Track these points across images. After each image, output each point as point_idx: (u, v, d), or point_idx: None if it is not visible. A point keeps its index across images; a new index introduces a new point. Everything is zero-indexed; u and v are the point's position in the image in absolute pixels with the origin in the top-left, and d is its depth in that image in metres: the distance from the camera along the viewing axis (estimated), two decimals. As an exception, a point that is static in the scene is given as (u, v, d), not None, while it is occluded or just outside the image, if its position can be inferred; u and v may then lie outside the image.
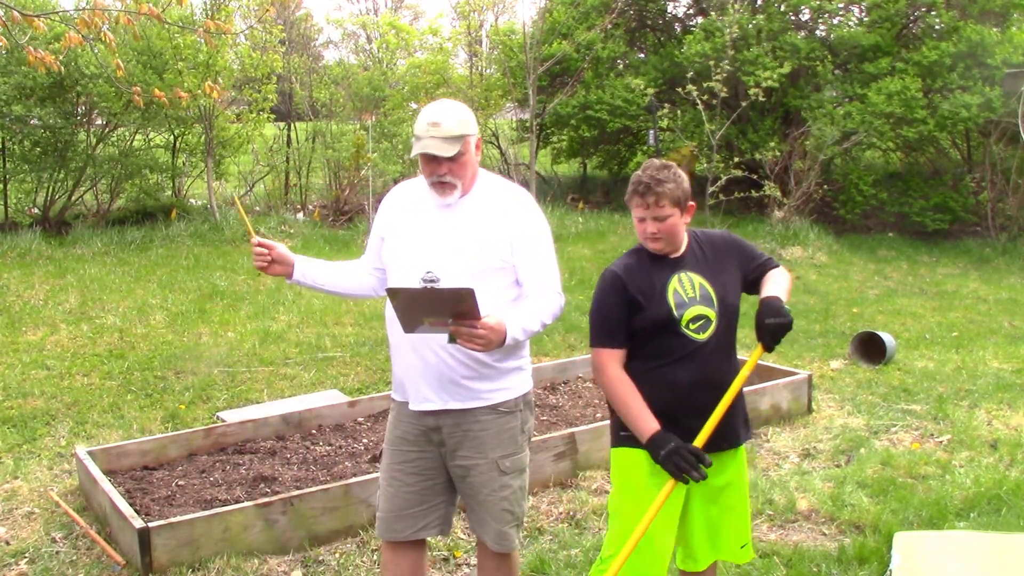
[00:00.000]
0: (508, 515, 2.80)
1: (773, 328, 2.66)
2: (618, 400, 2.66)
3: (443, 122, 2.63)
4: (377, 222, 2.93)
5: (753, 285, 2.82)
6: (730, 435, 2.75)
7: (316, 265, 2.95)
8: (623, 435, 2.72)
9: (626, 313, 2.66)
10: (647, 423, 2.59)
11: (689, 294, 2.69)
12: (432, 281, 2.66)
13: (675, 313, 2.65)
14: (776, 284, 2.78)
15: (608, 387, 2.68)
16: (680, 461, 2.52)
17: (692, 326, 2.67)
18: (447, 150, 2.62)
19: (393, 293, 2.46)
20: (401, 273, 2.75)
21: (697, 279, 2.72)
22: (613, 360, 2.67)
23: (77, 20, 4.50)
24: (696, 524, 2.78)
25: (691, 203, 2.69)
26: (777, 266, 2.86)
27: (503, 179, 2.88)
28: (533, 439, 4.42)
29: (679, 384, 2.65)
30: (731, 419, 2.73)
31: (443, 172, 2.67)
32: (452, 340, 2.48)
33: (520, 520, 2.87)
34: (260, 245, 2.81)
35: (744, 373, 2.72)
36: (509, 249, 2.69)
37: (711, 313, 2.70)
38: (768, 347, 2.70)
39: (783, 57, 12.27)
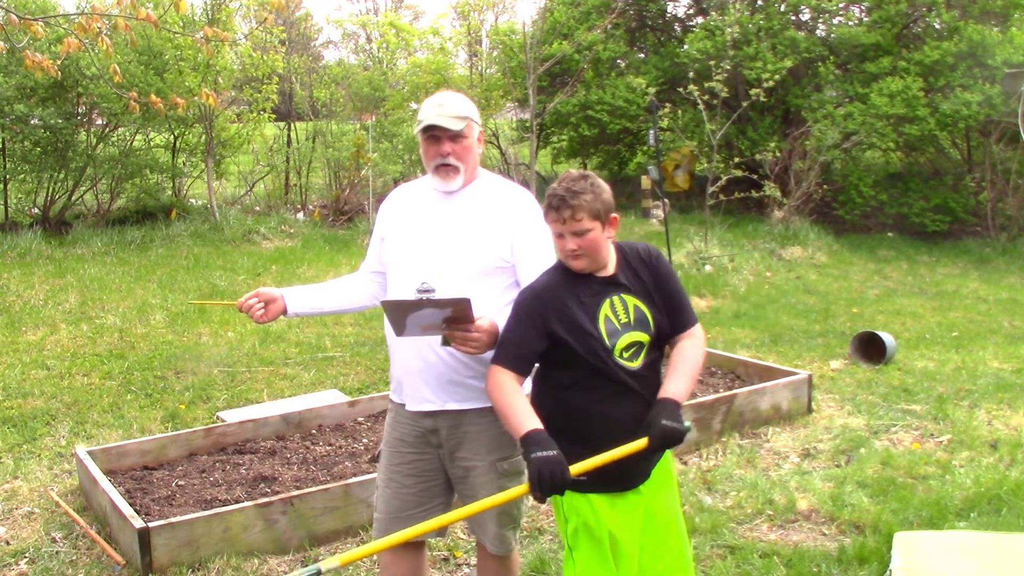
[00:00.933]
0: (506, 517, 2.80)
1: (667, 432, 2.37)
2: (501, 399, 2.44)
3: (447, 103, 2.69)
4: (378, 224, 2.93)
5: (666, 331, 2.56)
6: (637, 473, 2.52)
7: (309, 292, 2.97)
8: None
9: (537, 344, 2.45)
10: (530, 419, 2.37)
11: (623, 319, 2.48)
12: (428, 292, 2.65)
13: (607, 342, 2.44)
14: (683, 374, 2.50)
15: (494, 389, 2.46)
16: (547, 476, 2.29)
17: (625, 354, 2.46)
18: (453, 124, 2.65)
19: (388, 306, 2.47)
20: (398, 281, 2.75)
21: (632, 301, 2.51)
22: (505, 375, 2.45)
23: (75, 25, 4.49)
24: None
25: (613, 215, 2.48)
26: (693, 330, 2.58)
27: (504, 179, 2.88)
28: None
29: (612, 418, 2.45)
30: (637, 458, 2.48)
31: (447, 152, 2.68)
32: (446, 343, 2.48)
33: (518, 522, 2.87)
34: (249, 299, 2.82)
35: (628, 449, 2.41)
36: (509, 249, 2.69)
37: (644, 338, 2.49)
38: (653, 449, 2.40)
39: (783, 52, 12.28)
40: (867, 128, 11.57)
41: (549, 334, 2.46)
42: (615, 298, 2.50)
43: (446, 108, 2.67)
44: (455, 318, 2.40)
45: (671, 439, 2.39)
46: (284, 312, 2.88)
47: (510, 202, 2.75)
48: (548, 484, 2.31)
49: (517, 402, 2.43)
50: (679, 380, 2.49)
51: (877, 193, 12.38)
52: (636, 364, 2.48)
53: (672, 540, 2.58)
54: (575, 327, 2.45)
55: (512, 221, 2.70)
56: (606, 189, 2.48)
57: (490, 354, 2.58)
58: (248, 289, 8.87)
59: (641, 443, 2.41)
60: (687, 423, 2.44)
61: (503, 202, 2.74)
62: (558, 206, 2.42)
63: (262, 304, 2.83)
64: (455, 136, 2.67)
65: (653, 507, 2.56)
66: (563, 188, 2.43)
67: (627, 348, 2.47)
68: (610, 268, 2.54)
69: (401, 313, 2.45)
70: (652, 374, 2.52)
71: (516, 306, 2.53)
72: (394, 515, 2.83)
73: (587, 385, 2.47)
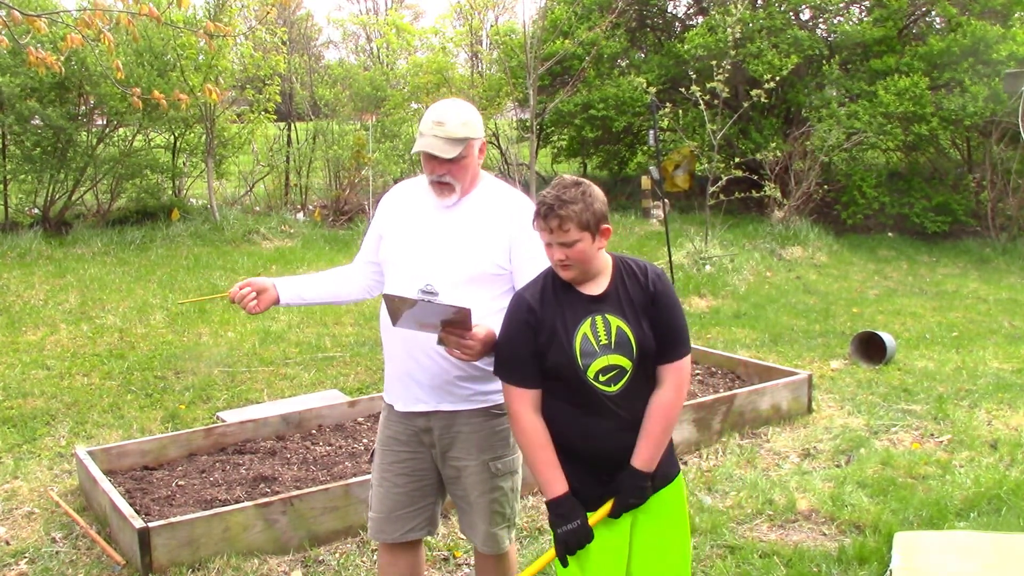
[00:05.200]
0: (499, 517, 2.80)
1: (631, 506, 2.45)
2: (527, 453, 2.44)
3: (448, 122, 2.61)
4: (376, 219, 2.92)
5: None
6: (620, 508, 2.49)
7: (301, 282, 2.93)
8: None
9: (533, 352, 2.41)
10: (555, 483, 2.40)
11: (602, 341, 2.39)
12: (431, 294, 2.64)
13: (579, 363, 2.38)
14: (653, 444, 2.43)
15: (519, 436, 2.45)
16: (574, 545, 2.38)
17: (602, 377, 2.39)
18: (448, 151, 2.60)
19: (389, 299, 2.46)
20: (399, 279, 2.73)
21: (615, 322, 2.41)
22: (525, 403, 2.42)
23: (77, 21, 4.50)
24: None
25: (605, 226, 2.39)
26: (679, 363, 2.48)
27: (504, 183, 2.87)
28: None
29: (588, 432, 2.43)
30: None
31: (443, 172, 2.66)
32: (441, 343, 2.48)
33: (512, 521, 2.86)
34: (241, 288, 2.81)
35: (602, 512, 2.47)
36: (506, 255, 2.68)
37: (626, 362, 2.40)
38: (616, 515, 2.46)
39: (786, 51, 12.27)
40: (875, 127, 11.55)
41: (537, 338, 2.42)
42: (598, 318, 2.41)
43: (446, 128, 2.60)
44: (453, 322, 2.40)
45: (631, 509, 2.46)
46: (276, 302, 2.85)
47: (509, 208, 2.73)
48: (574, 552, 2.40)
49: (543, 458, 2.41)
50: (651, 446, 2.43)
51: (880, 194, 12.37)
52: (614, 389, 2.40)
53: (667, 554, 2.55)
54: (552, 342, 2.40)
55: (510, 228, 2.69)
56: (599, 198, 2.39)
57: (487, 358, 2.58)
58: (248, 289, 8.90)
59: (606, 508, 2.45)
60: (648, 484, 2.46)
61: (502, 208, 2.72)
62: (545, 215, 2.35)
63: (254, 294, 2.81)
64: (451, 158, 2.63)
65: (641, 521, 2.53)
66: (552, 196, 2.35)
67: (604, 371, 2.39)
68: (602, 283, 2.46)
69: (400, 307, 2.45)
70: (634, 397, 2.43)
71: (508, 315, 2.48)
72: (385, 515, 2.84)
73: (568, 399, 2.43)
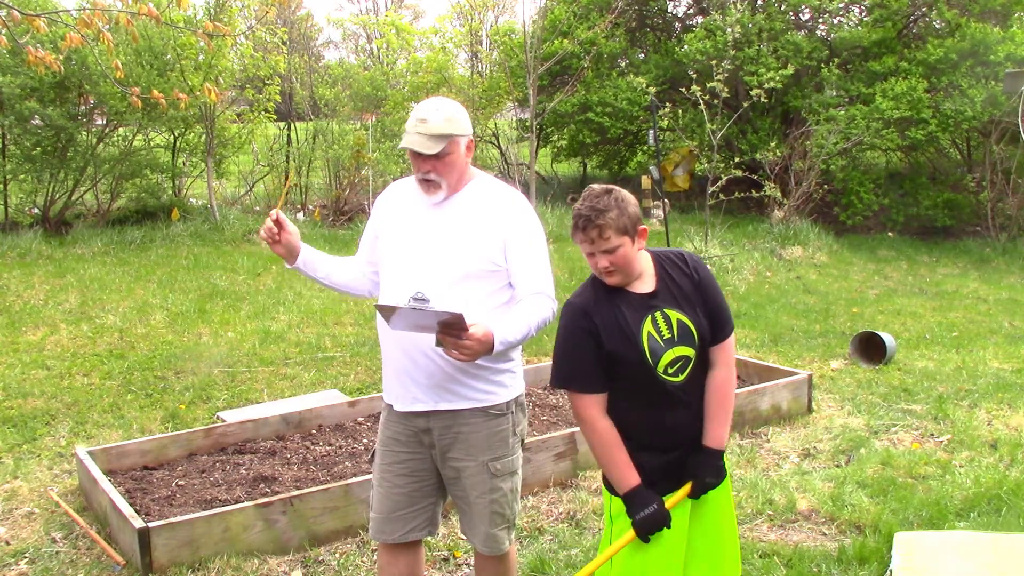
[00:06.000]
0: (499, 517, 2.80)
1: (709, 485, 2.54)
2: (598, 454, 2.51)
3: (430, 119, 2.62)
4: (372, 219, 2.93)
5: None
6: (697, 490, 2.59)
7: (318, 256, 2.91)
8: None
9: (599, 357, 2.45)
10: (629, 477, 2.47)
11: (666, 335, 2.47)
12: (422, 301, 2.64)
13: (649, 360, 2.44)
14: (722, 423, 2.55)
15: (594, 439, 2.51)
16: (653, 528, 2.44)
17: (670, 370, 2.47)
18: (429, 147, 2.61)
19: (381, 309, 2.47)
20: (391, 286, 2.74)
21: (674, 315, 2.49)
22: (596, 408, 2.48)
23: (77, 20, 4.50)
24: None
25: (642, 227, 2.45)
26: (728, 342, 2.58)
27: (499, 181, 2.87)
28: (533, 439, 4.44)
29: (659, 424, 2.51)
30: None
31: (427, 169, 2.66)
32: (439, 344, 2.48)
33: (512, 522, 2.86)
34: (276, 221, 2.75)
35: (680, 494, 2.56)
36: (501, 252, 2.67)
37: (690, 351, 2.49)
38: (696, 495, 2.56)
39: (786, 56, 12.26)
40: (871, 133, 11.55)
41: (599, 342, 2.45)
42: (657, 314, 2.48)
43: (428, 125, 2.61)
44: (449, 324, 2.40)
45: (710, 489, 2.54)
46: (294, 255, 2.80)
47: (502, 205, 2.73)
48: (654, 532, 2.46)
49: (616, 456, 2.48)
50: (720, 425, 2.55)
51: (879, 197, 12.37)
52: (680, 379, 2.49)
53: (724, 532, 2.66)
54: (619, 343, 2.45)
55: (504, 224, 2.69)
56: (631, 201, 2.44)
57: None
58: (249, 289, 8.91)
59: (685, 489, 2.54)
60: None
61: (495, 205, 2.72)
62: (584, 226, 2.39)
63: (278, 236, 2.75)
64: (436, 154, 2.64)
65: (699, 515, 2.61)
66: (587, 207, 2.40)
67: (672, 364, 2.47)
68: (648, 281, 2.52)
69: (392, 314, 2.46)
70: (696, 383, 2.53)
71: (564, 326, 2.50)
72: (386, 515, 2.84)
73: (637, 397, 2.49)
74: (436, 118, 2.63)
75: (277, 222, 2.76)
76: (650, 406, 2.50)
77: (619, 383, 2.49)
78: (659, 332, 2.47)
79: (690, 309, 2.51)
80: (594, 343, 2.45)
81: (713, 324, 2.54)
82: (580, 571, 2.59)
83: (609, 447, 2.48)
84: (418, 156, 2.65)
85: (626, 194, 2.45)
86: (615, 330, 2.45)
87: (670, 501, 2.51)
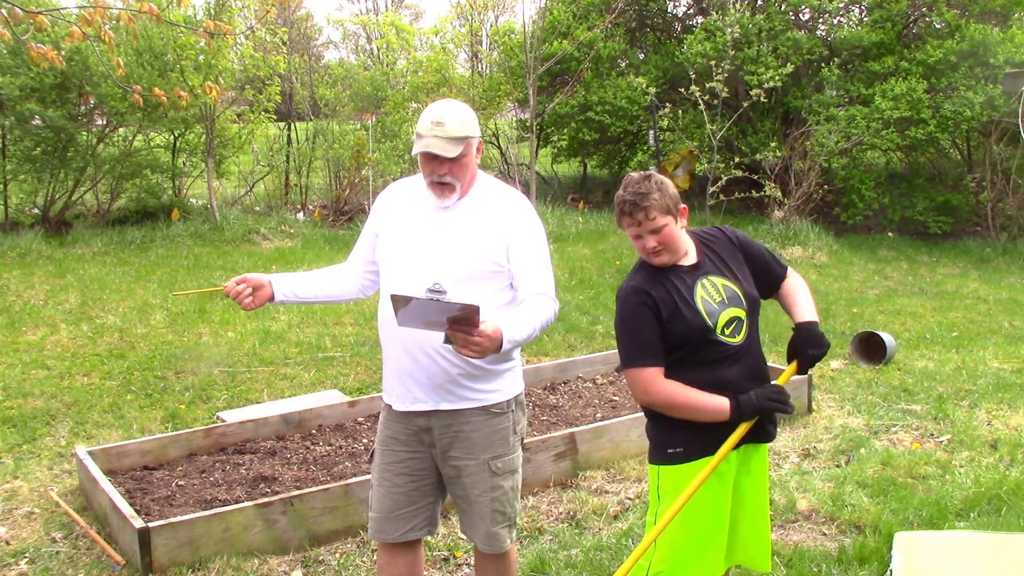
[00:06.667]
0: (499, 516, 2.80)
1: (815, 358, 2.68)
2: (682, 404, 2.56)
3: (447, 122, 2.61)
4: (372, 218, 2.91)
5: (764, 290, 2.78)
6: (759, 430, 2.68)
7: (296, 280, 2.90)
8: (671, 452, 2.63)
9: (657, 332, 2.56)
10: (720, 403, 2.55)
11: (716, 299, 2.61)
12: (439, 292, 2.64)
13: (708, 322, 2.57)
14: (807, 304, 2.75)
15: (665, 398, 2.57)
16: (775, 400, 2.55)
17: (727, 331, 2.60)
18: (450, 151, 2.60)
19: (396, 299, 2.45)
20: (402, 279, 2.72)
21: (719, 281, 2.64)
22: (658, 376, 2.56)
23: (78, 17, 4.50)
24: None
25: (682, 206, 2.62)
26: (789, 273, 2.82)
27: (501, 182, 2.86)
28: (533, 439, 4.44)
29: (727, 381, 2.59)
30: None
31: (443, 172, 2.65)
32: (448, 341, 2.48)
33: (512, 520, 2.86)
34: (237, 283, 2.76)
35: (786, 375, 2.74)
36: (504, 253, 2.68)
37: (741, 312, 2.64)
38: (804, 371, 2.72)
39: (785, 54, 12.25)
40: (871, 133, 11.55)
41: (659, 319, 2.56)
42: (704, 281, 2.63)
43: (446, 128, 2.59)
44: (460, 319, 2.39)
45: (816, 361, 2.68)
46: (271, 299, 2.82)
47: (505, 206, 2.73)
48: (781, 404, 2.57)
49: (698, 398, 2.56)
50: (807, 303, 2.74)
51: (879, 196, 12.37)
52: (738, 339, 2.62)
53: (763, 497, 2.78)
54: (679, 313, 2.56)
55: (506, 225, 2.69)
56: (669, 184, 2.60)
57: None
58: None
59: (792, 368, 2.69)
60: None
61: (498, 206, 2.73)
62: (631, 211, 2.53)
63: (250, 290, 2.78)
64: (453, 157, 2.62)
65: (746, 472, 2.73)
66: (631, 192, 2.53)
67: (727, 324, 2.60)
68: (692, 255, 2.67)
69: (407, 307, 2.44)
70: (753, 344, 2.69)
71: (624, 306, 2.60)
72: (385, 515, 2.84)
73: (697, 361, 2.58)
74: (453, 121, 2.61)
75: (237, 283, 2.76)
76: (708, 370, 2.59)
77: (680, 350, 2.58)
78: (710, 296, 2.61)
79: (732, 276, 2.67)
80: (654, 317, 2.56)
81: (767, 272, 2.76)
82: (633, 552, 2.60)
83: (687, 396, 2.56)
84: (434, 159, 2.63)
85: (663, 177, 2.60)
86: (672, 301, 2.57)
87: (782, 379, 2.65)
